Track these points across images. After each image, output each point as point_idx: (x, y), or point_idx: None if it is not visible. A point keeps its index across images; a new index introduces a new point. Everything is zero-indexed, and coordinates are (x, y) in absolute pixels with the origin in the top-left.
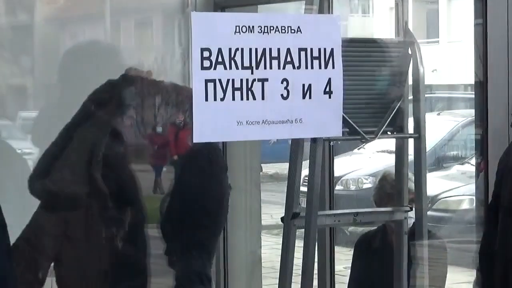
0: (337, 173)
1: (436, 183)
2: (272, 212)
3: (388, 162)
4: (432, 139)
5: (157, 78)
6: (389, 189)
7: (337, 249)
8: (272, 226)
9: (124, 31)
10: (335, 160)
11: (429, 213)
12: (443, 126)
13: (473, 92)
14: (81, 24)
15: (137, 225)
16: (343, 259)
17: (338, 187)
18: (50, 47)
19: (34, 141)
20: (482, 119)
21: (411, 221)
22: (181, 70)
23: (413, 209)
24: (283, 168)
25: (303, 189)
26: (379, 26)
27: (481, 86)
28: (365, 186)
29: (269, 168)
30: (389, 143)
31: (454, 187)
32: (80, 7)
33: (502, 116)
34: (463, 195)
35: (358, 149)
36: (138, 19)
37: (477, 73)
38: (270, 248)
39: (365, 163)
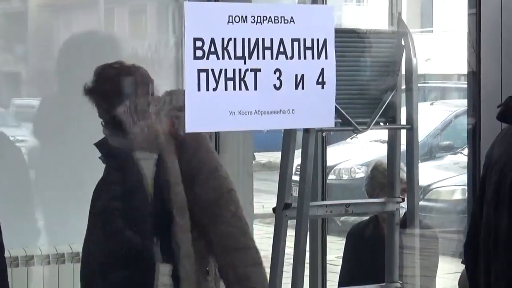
0: (329, 162)
1: (428, 173)
2: (265, 201)
3: (381, 152)
4: (425, 129)
5: (151, 66)
6: (381, 178)
7: (329, 238)
8: (264, 215)
9: (118, 18)
10: (327, 150)
11: (421, 203)
12: (436, 116)
13: (466, 82)
14: (75, 12)
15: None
16: (335, 249)
17: (330, 177)
18: (44, 34)
19: (32, 130)
20: (474, 109)
21: (402, 211)
22: (175, 58)
23: (405, 199)
24: (276, 157)
25: (296, 178)
26: (374, 15)
27: (474, 76)
28: (357, 175)
29: (262, 157)
30: (382, 132)
31: (446, 177)
32: None
33: (495, 106)
34: (455, 185)
35: (351, 138)
36: (132, 6)
37: (470, 63)
38: (262, 237)
39: (358, 152)
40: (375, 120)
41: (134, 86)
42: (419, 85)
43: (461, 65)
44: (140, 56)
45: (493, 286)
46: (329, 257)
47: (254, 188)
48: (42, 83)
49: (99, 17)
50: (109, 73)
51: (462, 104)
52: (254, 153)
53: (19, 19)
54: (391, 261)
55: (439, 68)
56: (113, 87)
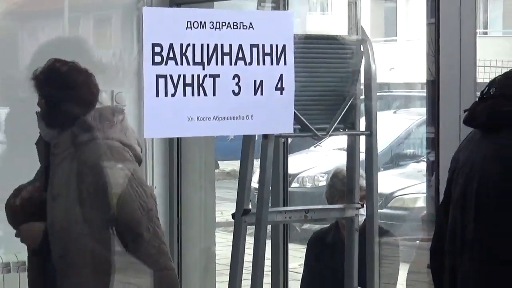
0: (293, 170)
1: (392, 181)
2: (229, 209)
3: (344, 160)
4: (388, 137)
5: (115, 74)
6: (340, 186)
7: (290, 246)
8: (228, 223)
9: (83, 27)
10: (291, 158)
11: (384, 210)
12: (399, 124)
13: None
14: (39, 20)
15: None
16: (298, 257)
17: (294, 185)
18: (8, 43)
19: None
20: (434, 118)
21: (362, 218)
22: (139, 66)
23: (365, 206)
24: None
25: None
26: (338, 24)
27: (433, 84)
28: (321, 183)
29: (226, 166)
30: (346, 141)
31: (409, 185)
32: (39, 3)
33: (454, 114)
34: (418, 192)
35: (315, 146)
36: (97, 15)
37: (431, 72)
38: (225, 245)
39: (321, 161)
40: (334, 126)
41: (79, 88)
42: (383, 93)
43: (424, 74)
44: (104, 64)
45: None
46: (291, 265)
47: (219, 196)
48: (6, 92)
49: (63, 26)
50: (59, 67)
51: (424, 112)
52: (218, 162)
53: None
54: (350, 267)
55: (402, 77)
56: (59, 81)
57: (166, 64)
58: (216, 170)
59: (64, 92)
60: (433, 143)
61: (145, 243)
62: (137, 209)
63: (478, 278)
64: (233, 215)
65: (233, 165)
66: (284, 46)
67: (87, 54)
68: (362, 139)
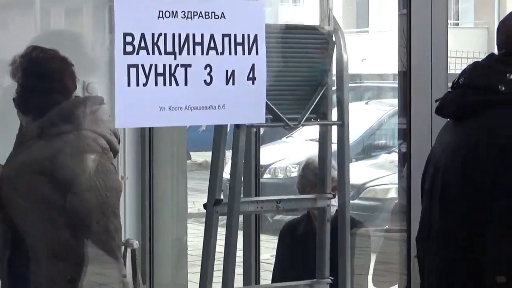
0: (265, 161)
1: (364, 172)
2: (201, 200)
3: (316, 150)
4: (360, 128)
5: (85, 66)
6: (311, 177)
7: (263, 237)
8: (200, 214)
9: (54, 18)
10: (263, 149)
11: (356, 201)
12: (371, 115)
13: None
14: (10, 11)
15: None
16: (270, 247)
17: (266, 176)
18: None
19: None
20: (405, 108)
21: (334, 209)
22: (110, 57)
23: (336, 196)
24: None
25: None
26: (310, 14)
27: (405, 75)
28: (293, 174)
29: (198, 157)
30: (318, 131)
31: (381, 176)
32: None
33: (425, 105)
34: (390, 183)
35: (287, 137)
36: (68, 6)
37: (402, 63)
38: (197, 236)
39: (293, 151)
40: (306, 116)
41: (56, 76)
42: (355, 84)
43: (396, 65)
44: (76, 55)
45: (426, 279)
46: (263, 256)
47: (191, 187)
48: None
49: (35, 17)
50: (38, 54)
51: (396, 103)
52: (190, 153)
53: None
54: (322, 258)
55: (375, 68)
56: (35, 68)
57: (137, 53)
58: (188, 161)
59: (40, 79)
60: (405, 134)
61: (91, 236)
62: (89, 200)
63: (443, 267)
64: (205, 205)
65: (205, 156)
66: (256, 36)
67: (59, 45)
68: (334, 130)
